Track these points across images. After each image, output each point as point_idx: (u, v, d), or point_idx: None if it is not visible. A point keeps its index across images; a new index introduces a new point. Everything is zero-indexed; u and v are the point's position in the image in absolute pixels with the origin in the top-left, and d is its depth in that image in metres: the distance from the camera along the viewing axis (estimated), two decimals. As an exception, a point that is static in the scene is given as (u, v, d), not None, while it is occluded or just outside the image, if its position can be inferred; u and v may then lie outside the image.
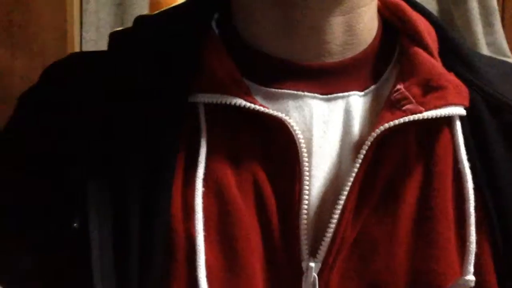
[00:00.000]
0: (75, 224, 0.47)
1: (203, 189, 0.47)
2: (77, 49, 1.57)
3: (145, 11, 1.48)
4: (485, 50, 1.77)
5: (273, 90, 0.50)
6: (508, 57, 1.84)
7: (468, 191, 0.49)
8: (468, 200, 0.48)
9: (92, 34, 1.56)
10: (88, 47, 1.57)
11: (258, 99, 0.50)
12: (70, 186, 0.48)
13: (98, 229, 0.46)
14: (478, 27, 1.74)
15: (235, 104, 0.48)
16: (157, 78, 0.50)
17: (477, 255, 0.48)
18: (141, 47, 0.52)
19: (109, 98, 0.50)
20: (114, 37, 0.55)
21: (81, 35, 1.54)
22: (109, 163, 0.48)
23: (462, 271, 0.47)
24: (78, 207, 0.47)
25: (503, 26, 1.84)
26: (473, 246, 0.48)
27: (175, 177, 0.48)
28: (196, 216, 0.47)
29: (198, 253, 0.46)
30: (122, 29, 0.57)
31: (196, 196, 0.47)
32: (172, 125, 0.49)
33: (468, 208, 0.48)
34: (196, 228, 0.46)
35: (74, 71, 0.54)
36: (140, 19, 0.56)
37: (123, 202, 0.47)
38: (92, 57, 0.56)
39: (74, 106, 0.50)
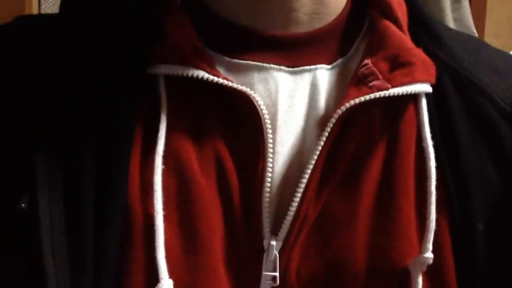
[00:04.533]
0: (22, 205, 0.44)
1: (163, 166, 0.46)
2: (35, 8, 1.51)
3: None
4: (452, 26, 1.80)
5: (237, 61, 0.49)
6: (473, 33, 1.87)
7: (430, 169, 0.48)
8: (430, 178, 0.48)
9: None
10: (48, 5, 1.50)
11: (222, 70, 0.48)
12: (18, 164, 0.45)
13: (49, 210, 0.43)
14: (446, 3, 1.80)
15: (197, 76, 0.46)
16: (113, 47, 0.47)
17: (435, 233, 0.48)
18: (98, 14, 0.49)
19: (62, 70, 0.47)
20: (67, 1, 0.51)
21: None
22: (61, 140, 0.45)
23: (421, 248, 0.47)
24: (26, 186, 0.44)
25: (470, 2, 1.87)
26: (432, 224, 0.47)
27: (133, 154, 0.46)
28: (155, 194, 0.45)
29: (157, 233, 0.44)
30: None
31: (155, 173, 0.45)
32: (129, 98, 0.46)
33: (430, 186, 0.48)
34: (155, 207, 0.45)
35: (20, 40, 0.49)
36: None
37: (76, 181, 0.44)
38: (41, 22, 0.52)
39: (22, 78, 0.47)
